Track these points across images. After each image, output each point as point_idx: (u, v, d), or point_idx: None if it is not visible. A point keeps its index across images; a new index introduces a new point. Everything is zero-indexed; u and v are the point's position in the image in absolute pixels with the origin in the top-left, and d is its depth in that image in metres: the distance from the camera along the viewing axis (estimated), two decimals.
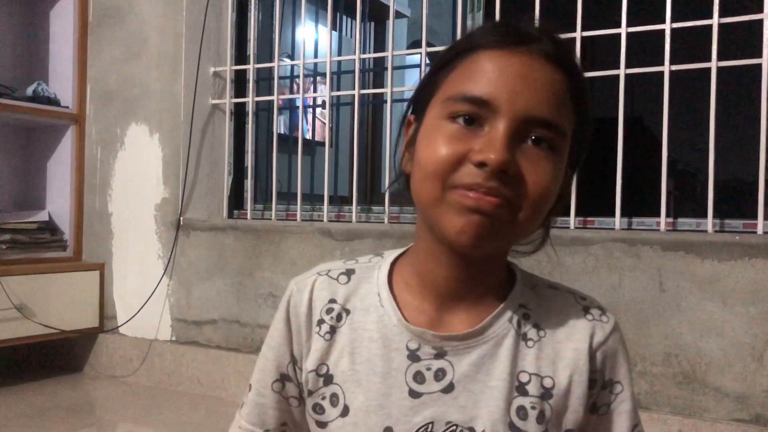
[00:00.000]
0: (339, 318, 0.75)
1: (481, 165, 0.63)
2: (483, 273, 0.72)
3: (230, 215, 2.76)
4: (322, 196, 2.50)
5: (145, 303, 2.64)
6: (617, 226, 1.99)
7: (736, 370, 1.71)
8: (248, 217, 2.69)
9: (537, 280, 0.78)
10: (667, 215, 1.94)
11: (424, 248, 0.73)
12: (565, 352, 0.72)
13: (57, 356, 2.84)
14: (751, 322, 1.70)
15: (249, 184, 2.74)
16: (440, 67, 0.70)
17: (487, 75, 0.65)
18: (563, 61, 0.67)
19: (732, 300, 1.72)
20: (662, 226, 1.92)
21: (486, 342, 0.71)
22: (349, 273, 0.78)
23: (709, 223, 1.87)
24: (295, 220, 2.54)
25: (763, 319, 1.69)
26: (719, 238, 1.77)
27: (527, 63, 0.65)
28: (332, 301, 0.76)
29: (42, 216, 2.78)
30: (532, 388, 0.70)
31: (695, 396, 1.75)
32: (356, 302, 0.75)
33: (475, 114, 0.65)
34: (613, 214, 2.00)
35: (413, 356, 0.71)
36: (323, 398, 0.74)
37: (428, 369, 0.70)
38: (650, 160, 2.01)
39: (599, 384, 0.73)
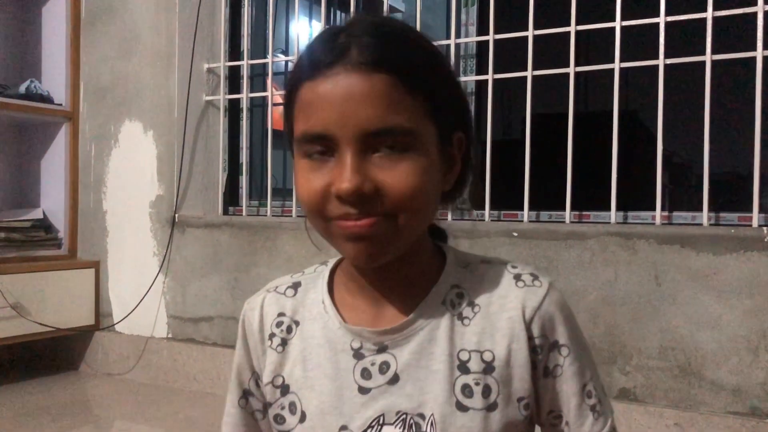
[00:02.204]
0: (289, 330, 0.79)
1: (339, 197, 0.65)
2: (405, 265, 0.74)
3: (225, 212, 2.76)
4: None
5: (141, 300, 2.63)
6: (613, 219, 1.99)
7: (731, 363, 1.72)
8: (243, 213, 2.68)
9: (470, 258, 0.79)
10: (663, 209, 1.94)
11: None
12: (500, 323, 0.73)
13: (53, 354, 2.83)
14: (747, 315, 1.70)
15: (244, 180, 2.73)
16: (286, 103, 0.72)
17: (314, 109, 0.66)
18: (381, 61, 0.65)
19: (727, 293, 1.72)
20: (658, 220, 1.92)
21: (422, 328, 0.73)
22: (295, 286, 0.82)
23: (705, 216, 1.87)
24: (291, 215, 2.54)
25: (759, 312, 1.69)
26: (714, 232, 1.77)
27: (345, 82, 0.65)
28: (281, 314, 0.80)
29: (36, 214, 2.78)
30: (474, 365, 0.71)
31: (691, 389, 1.76)
32: (305, 313, 0.79)
33: (322, 148, 0.67)
34: (608, 208, 2.00)
35: (357, 354, 0.74)
36: (282, 408, 0.77)
37: (373, 364, 0.73)
38: (645, 154, 2.01)
39: (546, 348, 0.73)
